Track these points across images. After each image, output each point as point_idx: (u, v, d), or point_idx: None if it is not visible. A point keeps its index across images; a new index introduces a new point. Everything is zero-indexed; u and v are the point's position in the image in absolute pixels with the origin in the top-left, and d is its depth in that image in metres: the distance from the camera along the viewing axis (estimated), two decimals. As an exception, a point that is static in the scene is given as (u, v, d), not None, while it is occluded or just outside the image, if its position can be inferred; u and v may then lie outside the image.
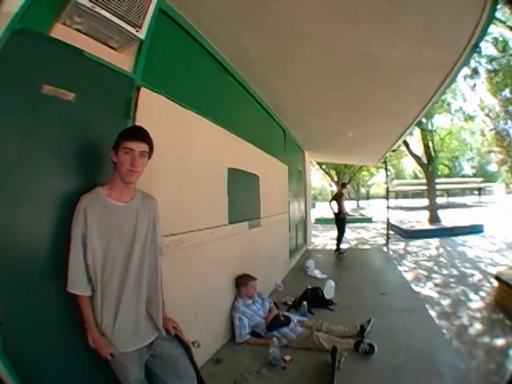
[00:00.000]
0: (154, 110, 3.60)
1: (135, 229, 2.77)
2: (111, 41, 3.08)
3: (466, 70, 21.58)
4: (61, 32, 2.64)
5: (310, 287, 7.52)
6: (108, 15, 2.76)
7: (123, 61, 3.25)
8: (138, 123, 3.22)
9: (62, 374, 2.68)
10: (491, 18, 4.23)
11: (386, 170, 21.09)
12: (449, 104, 27.65)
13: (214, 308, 5.04)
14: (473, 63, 21.38)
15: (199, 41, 4.76)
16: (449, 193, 66.42)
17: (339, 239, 14.59)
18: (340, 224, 14.60)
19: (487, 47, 22.15)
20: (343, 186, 17.16)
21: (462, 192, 75.78)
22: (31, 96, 2.44)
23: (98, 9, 2.66)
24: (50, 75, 2.55)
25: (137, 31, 3.04)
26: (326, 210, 27.07)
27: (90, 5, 2.60)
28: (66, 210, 2.58)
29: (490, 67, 22.65)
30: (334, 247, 14.72)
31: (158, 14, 3.54)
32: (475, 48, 5.04)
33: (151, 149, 2.77)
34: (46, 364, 2.57)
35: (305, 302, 6.70)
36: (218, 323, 5.25)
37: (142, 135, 2.72)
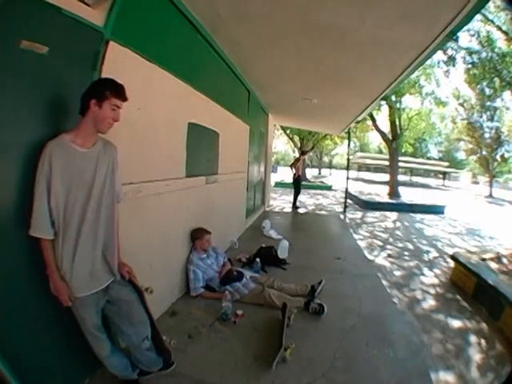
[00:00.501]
0: (121, 63, 3.62)
1: (94, 174, 2.83)
2: None
3: (441, 56, 21.67)
4: None
5: (264, 246, 7.67)
6: None
7: (96, 16, 3.26)
8: (104, 75, 3.25)
9: (24, 324, 2.76)
10: (475, 12, 4.31)
11: (349, 140, 21.09)
12: (421, 86, 27.72)
13: (169, 260, 5.11)
14: (450, 50, 21.45)
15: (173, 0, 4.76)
16: (412, 172, 67.06)
17: (295, 198, 18.02)
18: (296, 185, 17.84)
19: (470, 41, 22.27)
20: (303, 153, 21.49)
21: (427, 174, 76.32)
22: (9, 51, 2.47)
23: None
24: (28, 30, 2.58)
25: None
26: (288, 174, 27.13)
27: None
28: (35, 157, 2.60)
29: (468, 59, 22.78)
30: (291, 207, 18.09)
31: None
32: (452, 35, 5.08)
33: None
34: (6, 315, 2.61)
35: (258, 259, 6.87)
36: (174, 276, 5.33)
37: (126, 96, 2.86)
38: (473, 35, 21.30)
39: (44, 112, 2.79)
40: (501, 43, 21.39)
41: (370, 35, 5.46)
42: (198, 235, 5.77)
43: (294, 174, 17.66)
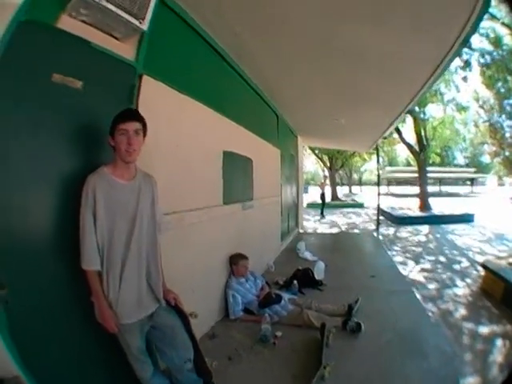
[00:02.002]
0: (155, 96, 3.72)
1: (137, 205, 2.89)
2: (115, 32, 3.18)
3: (458, 62, 21.58)
4: (67, 23, 2.74)
5: (300, 268, 7.63)
6: (113, 8, 2.84)
7: (126, 50, 3.38)
8: (140, 109, 3.32)
9: (65, 350, 2.81)
10: (483, 14, 4.30)
11: (378, 156, 20.98)
12: (442, 94, 27.59)
13: (209, 285, 5.19)
14: (465, 55, 21.36)
15: (197, 30, 4.87)
16: (441, 182, 66.14)
17: (322, 209, 26.59)
18: (322, 199, 27.32)
19: (481, 41, 22.16)
20: (325, 177, 28.89)
21: (455, 182, 75.19)
22: (41, 85, 2.55)
23: (103, 2, 2.75)
24: (58, 65, 2.66)
25: (140, 23, 3.15)
26: (318, 194, 27.53)
27: None
28: (74, 191, 2.69)
29: (482, 60, 22.64)
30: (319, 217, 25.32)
31: (158, 3, 3.57)
32: (466, 42, 5.14)
33: (144, 126, 2.89)
34: (49, 341, 2.68)
35: (295, 282, 6.87)
36: (213, 300, 5.40)
37: (133, 115, 2.87)
38: (482, 35, 21.16)
39: (82, 146, 2.90)
40: (507, 39, 21.21)
41: (389, 52, 5.58)
42: (234, 261, 5.85)
43: (322, 193, 27.51)
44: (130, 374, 3.07)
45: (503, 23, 20.03)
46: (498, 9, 19.49)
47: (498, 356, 5.07)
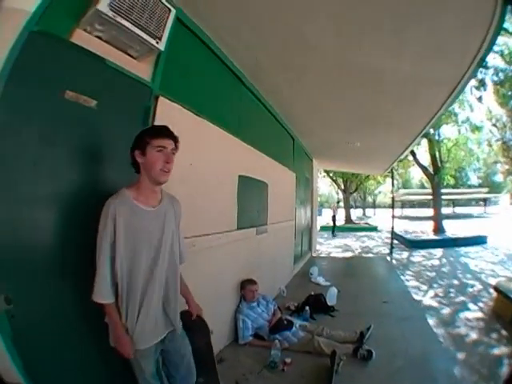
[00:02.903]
0: (171, 118, 3.63)
1: (162, 234, 2.78)
2: (131, 50, 3.19)
3: (472, 81, 21.51)
4: (81, 38, 2.74)
5: (313, 293, 7.60)
6: (129, 25, 2.87)
7: (142, 69, 3.37)
8: None
9: (68, 362, 2.79)
10: (498, 32, 4.29)
11: (393, 179, 21.03)
12: (456, 114, 27.47)
13: (219, 309, 5.15)
14: (479, 74, 21.32)
15: (214, 51, 4.87)
16: (454, 203, 65.98)
17: (333, 229, 29.90)
18: (334, 220, 30.40)
19: (494, 58, 22.08)
20: (338, 202, 34.61)
21: (468, 202, 75.06)
22: (52, 100, 2.53)
23: (119, 18, 2.78)
24: (72, 81, 2.65)
25: (157, 42, 3.18)
26: (330, 216, 27.78)
27: (111, 14, 2.71)
28: (83, 208, 2.72)
29: (496, 78, 22.58)
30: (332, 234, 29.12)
31: (175, 22, 3.58)
32: (482, 62, 5.11)
33: (177, 148, 2.79)
34: (53, 352, 2.67)
35: (307, 308, 6.79)
36: (223, 324, 5.37)
37: (171, 133, 2.75)
38: (496, 52, 21.04)
39: (93, 166, 2.88)
40: None
41: (406, 75, 5.59)
42: (242, 286, 5.84)
43: (333, 215, 30.78)
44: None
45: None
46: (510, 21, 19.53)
47: (503, 376, 5.09)
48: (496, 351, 5.81)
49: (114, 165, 3.04)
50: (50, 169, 2.55)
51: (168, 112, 3.63)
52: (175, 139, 2.76)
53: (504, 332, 6.58)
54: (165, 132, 2.71)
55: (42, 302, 2.58)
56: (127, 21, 2.84)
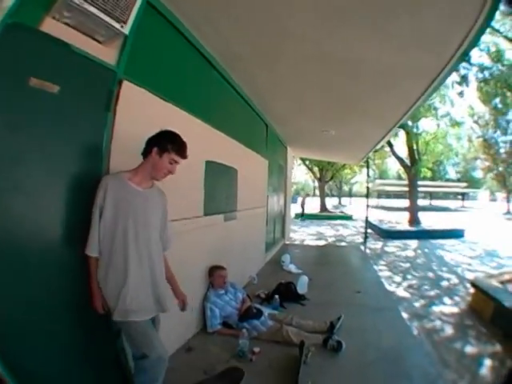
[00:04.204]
0: (136, 102, 3.66)
1: (145, 214, 3.08)
2: (97, 35, 3.13)
3: (455, 76, 21.65)
4: (50, 26, 2.70)
5: (283, 281, 7.56)
6: (95, 11, 2.84)
7: (108, 54, 3.30)
8: (118, 116, 3.35)
9: (50, 350, 2.83)
10: (485, 28, 4.23)
11: (368, 168, 21.35)
12: (436, 108, 27.77)
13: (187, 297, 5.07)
14: (462, 70, 21.43)
15: (185, 35, 4.78)
16: (432, 196, 66.65)
17: (302, 214, 33.99)
18: (303, 207, 34.60)
19: (480, 56, 22.31)
20: (307, 195, 39.06)
21: (446, 196, 75.90)
22: (18, 89, 2.51)
23: (86, 5, 2.75)
24: (38, 68, 2.61)
25: (121, 26, 3.13)
26: (309, 204, 27.89)
27: (78, 1, 2.68)
28: (52, 199, 2.81)
29: (480, 76, 22.75)
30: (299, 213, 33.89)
31: (145, 7, 3.58)
32: (464, 56, 5.08)
33: None
34: (33, 341, 2.66)
35: (277, 296, 6.76)
36: (190, 312, 5.19)
37: (187, 154, 3.17)
38: (482, 50, 21.33)
39: (57, 152, 2.83)
40: (510, 54, 21.45)
41: (384, 64, 5.52)
42: (211, 272, 5.78)
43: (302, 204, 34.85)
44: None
45: (506, 37, 20.17)
46: (502, 21, 19.70)
47: (485, 378, 4.99)
48: (476, 350, 5.82)
49: (78, 149, 3.03)
50: (14, 157, 2.52)
51: (132, 96, 3.55)
52: (187, 157, 3.20)
53: (483, 330, 6.60)
54: (184, 153, 3.14)
55: (15, 288, 2.57)
56: (93, 7, 2.82)
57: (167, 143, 3.03)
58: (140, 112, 3.66)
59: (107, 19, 2.97)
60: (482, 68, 22.27)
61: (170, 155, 3.03)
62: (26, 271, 2.60)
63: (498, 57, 21.48)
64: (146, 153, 3.10)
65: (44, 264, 2.76)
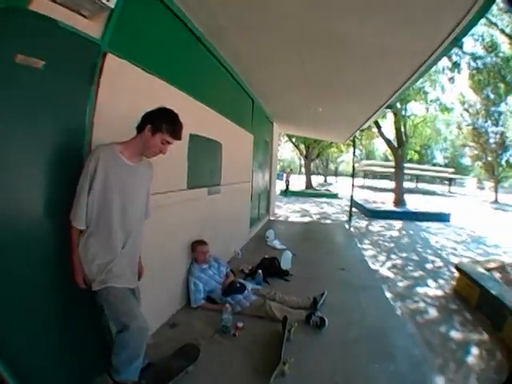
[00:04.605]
0: (119, 75, 3.63)
1: (135, 188, 3.15)
2: (83, 9, 3.09)
3: (446, 62, 21.74)
4: (38, 4, 2.68)
5: (267, 256, 7.62)
6: None
7: (93, 28, 3.27)
8: (101, 88, 3.30)
9: (38, 339, 2.84)
10: (478, 18, 4.20)
11: (354, 148, 21.05)
12: (426, 93, 27.78)
13: (170, 272, 5.09)
14: (454, 57, 21.50)
15: (172, 8, 4.72)
16: (418, 179, 66.92)
17: (286, 190, 34.53)
18: (287, 184, 34.82)
19: (474, 45, 22.38)
20: (291, 170, 41.18)
21: (433, 180, 76.12)
22: (3, 66, 2.50)
23: None
24: (25, 46, 2.61)
25: (107, 0, 3.10)
26: (295, 181, 27.99)
27: None
28: (42, 177, 2.81)
29: (473, 64, 22.81)
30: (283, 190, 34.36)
31: None
32: (456, 42, 5.04)
33: None
34: (22, 332, 2.70)
35: (260, 271, 6.80)
36: (174, 287, 5.30)
37: (181, 136, 3.19)
38: (477, 40, 21.43)
39: (42, 126, 2.80)
40: (505, 47, 21.48)
41: (373, 43, 5.43)
42: (193, 247, 5.74)
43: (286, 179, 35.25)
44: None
45: (503, 31, 20.21)
46: (500, 16, 19.79)
47: (474, 366, 4.92)
48: (460, 335, 5.82)
49: (61, 123, 3.00)
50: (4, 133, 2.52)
51: (116, 68, 3.51)
52: (180, 139, 3.20)
53: (468, 316, 6.59)
54: (178, 135, 3.14)
55: (8, 281, 2.59)
56: None
57: (162, 122, 3.00)
58: (124, 84, 3.63)
59: (92, -7, 2.94)
60: (474, 57, 22.40)
61: (162, 135, 3.00)
62: (5, 247, 2.57)
63: (492, 48, 21.49)
64: (139, 128, 3.08)
65: (26, 239, 2.74)
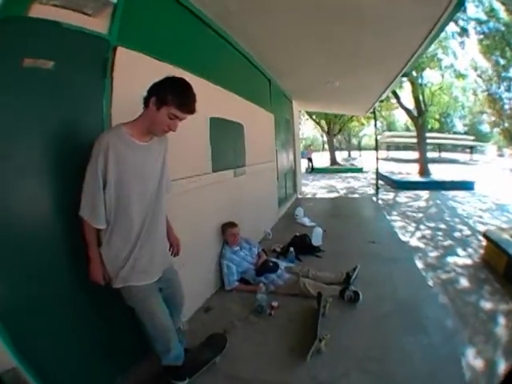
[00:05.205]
0: (132, 67, 3.63)
1: (152, 167, 2.88)
2: (86, 8, 3.09)
3: (454, 28, 21.84)
4: (38, 10, 2.68)
5: (298, 234, 7.62)
6: None
7: (99, 24, 3.28)
8: (115, 81, 3.33)
9: (63, 339, 2.84)
10: None
11: (375, 120, 21.01)
12: (439, 60, 27.74)
13: (202, 256, 5.12)
14: (461, 22, 21.42)
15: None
16: (441, 148, 66.19)
17: (312, 167, 35.09)
18: (311, 160, 35.21)
19: (477, 11, 22.33)
20: (310, 145, 43.79)
21: (454, 148, 74.99)
22: (10, 71, 2.50)
23: None
24: (29, 50, 2.61)
25: None
26: (319, 159, 27.85)
27: None
28: (56, 176, 2.77)
29: (479, 29, 22.65)
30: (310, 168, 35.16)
31: None
32: (459, 6, 5.11)
33: None
34: (47, 330, 2.71)
35: (292, 249, 6.79)
36: (207, 272, 5.34)
37: (194, 109, 2.76)
38: (477, 6, 21.46)
39: (58, 125, 2.82)
40: (503, 14, 21.36)
41: (384, 11, 5.43)
42: (223, 230, 5.76)
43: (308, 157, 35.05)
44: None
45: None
46: None
47: (502, 337, 4.78)
48: (490, 305, 5.66)
49: (79, 118, 3.02)
50: (18, 135, 2.54)
51: (127, 60, 3.53)
52: (193, 113, 2.77)
53: (497, 285, 6.43)
54: (188, 107, 2.71)
55: (29, 279, 2.58)
56: None
57: (168, 94, 2.59)
58: (137, 75, 3.61)
59: (93, -9, 2.94)
60: (479, 22, 22.30)
61: (169, 108, 2.61)
62: (24, 245, 2.57)
63: (491, 12, 21.37)
64: (145, 101, 2.72)
65: (43, 235, 2.73)
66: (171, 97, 2.59)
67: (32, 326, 2.57)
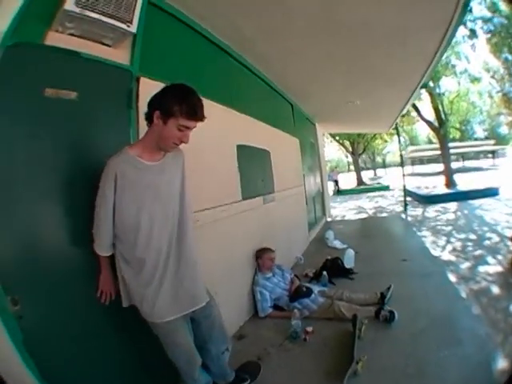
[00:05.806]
0: None
1: (168, 186, 2.71)
2: (105, 39, 3.16)
3: (464, 31, 22.04)
4: (55, 39, 2.73)
5: (329, 258, 7.54)
6: (97, 16, 2.85)
7: (120, 55, 3.34)
8: (140, 111, 3.18)
9: (83, 360, 2.75)
10: None
11: (399, 136, 20.94)
12: (453, 66, 27.85)
13: (234, 284, 5.10)
14: (470, 23, 21.57)
15: (193, 26, 4.79)
16: (464, 157, 65.76)
17: (338, 189, 35.14)
18: (337, 182, 35.57)
19: (481, 9, 22.50)
20: (336, 167, 45.20)
21: (477, 155, 74.56)
22: (34, 101, 2.55)
23: (87, 12, 2.76)
24: (50, 79, 2.68)
25: (128, 26, 3.14)
26: (345, 180, 27.92)
27: (78, 10, 2.68)
28: (79, 202, 2.72)
29: (485, 28, 22.71)
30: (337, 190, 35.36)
31: (147, 6, 3.58)
32: (466, 7, 5.13)
33: None
34: (67, 351, 2.64)
35: (325, 272, 6.73)
36: (240, 299, 5.31)
37: (203, 115, 2.60)
38: (480, 3, 21.66)
39: (83, 154, 2.86)
40: (503, 7, 21.49)
41: (393, 24, 5.51)
42: (259, 255, 5.76)
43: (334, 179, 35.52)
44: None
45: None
46: None
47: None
48: None
49: (105, 149, 2.93)
50: (41, 165, 2.58)
51: (151, 91, 3.44)
52: (203, 119, 2.61)
53: None
54: (197, 114, 2.55)
55: (50, 300, 2.56)
56: (95, 12, 2.81)
57: (172, 104, 2.43)
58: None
59: (112, 22, 2.98)
60: (484, 20, 22.38)
61: (177, 120, 2.45)
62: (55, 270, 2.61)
63: (493, 7, 21.54)
64: (148, 117, 2.59)
65: (75, 259, 2.75)
66: (177, 107, 2.43)
67: (52, 350, 2.54)
